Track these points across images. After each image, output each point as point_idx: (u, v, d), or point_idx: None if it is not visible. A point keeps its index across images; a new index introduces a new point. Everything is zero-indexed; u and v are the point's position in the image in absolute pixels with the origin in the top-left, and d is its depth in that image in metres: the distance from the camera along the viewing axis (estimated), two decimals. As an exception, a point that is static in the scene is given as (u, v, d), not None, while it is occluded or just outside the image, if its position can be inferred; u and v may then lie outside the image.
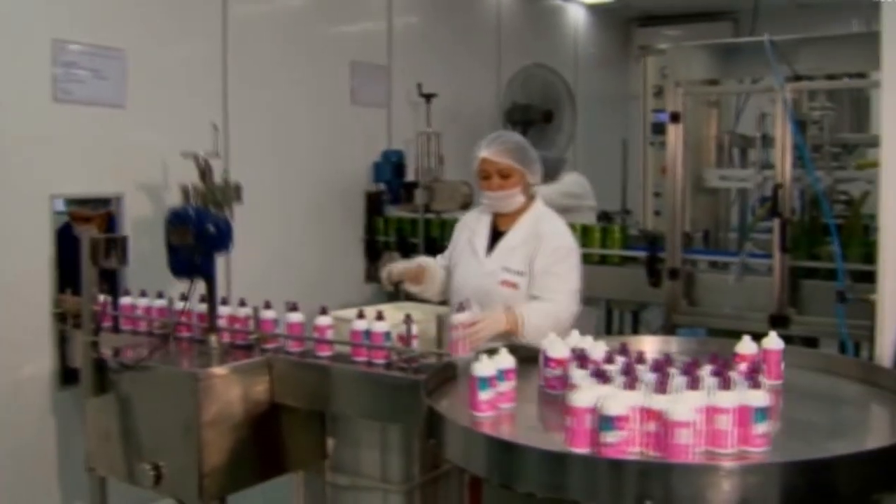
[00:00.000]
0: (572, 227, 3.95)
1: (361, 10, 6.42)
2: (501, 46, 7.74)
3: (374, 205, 6.37)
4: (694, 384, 2.27)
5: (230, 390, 3.41)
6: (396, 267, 3.91)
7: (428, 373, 2.85)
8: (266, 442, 3.55)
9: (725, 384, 2.27)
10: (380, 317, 3.35)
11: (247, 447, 3.47)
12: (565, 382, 2.58)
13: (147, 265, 4.20)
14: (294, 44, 5.76)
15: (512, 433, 2.52)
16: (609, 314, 6.69)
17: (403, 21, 6.67)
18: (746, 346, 2.79)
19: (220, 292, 3.84)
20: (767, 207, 4.90)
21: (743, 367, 2.63)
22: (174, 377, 3.44)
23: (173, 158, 4.51)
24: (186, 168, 4.18)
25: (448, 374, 2.89)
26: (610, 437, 2.14)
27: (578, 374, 2.51)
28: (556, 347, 2.79)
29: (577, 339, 2.90)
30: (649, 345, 3.21)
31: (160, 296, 4.04)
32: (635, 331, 6.53)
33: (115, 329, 4.02)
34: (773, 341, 2.80)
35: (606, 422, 2.14)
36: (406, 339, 3.27)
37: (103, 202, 4.66)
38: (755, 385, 2.23)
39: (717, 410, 2.17)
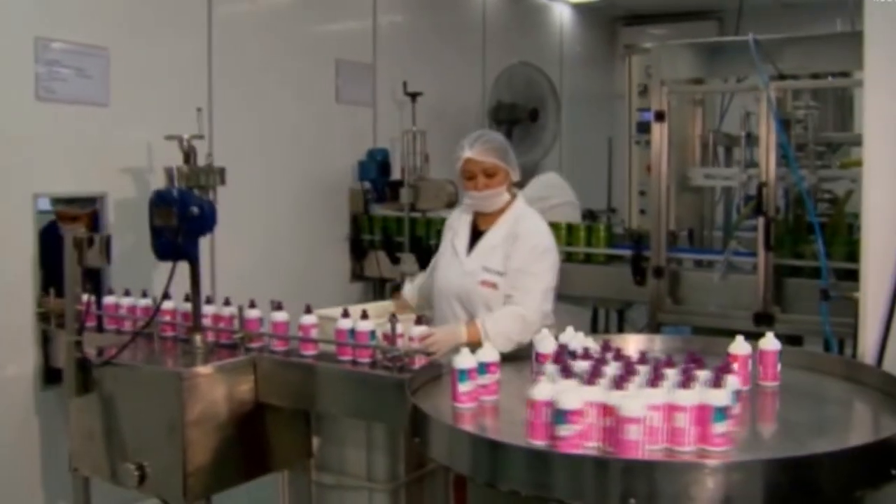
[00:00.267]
0: (557, 226, 3.96)
1: (346, 8, 6.40)
2: (487, 45, 7.74)
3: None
4: (655, 382, 2.28)
5: (215, 390, 3.40)
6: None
7: (412, 372, 2.86)
8: (251, 441, 3.54)
9: (687, 382, 2.26)
10: (364, 316, 3.35)
11: (231, 446, 3.45)
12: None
13: (131, 264, 4.19)
14: (279, 42, 5.74)
15: (491, 425, 2.56)
16: (595, 313, 6.70)
17: (388, 19, 6.66)
18: (740, 346, 2.77)
19: (205, 291, 3.83)
20: (752, 206, 4.92)
21: (714, 366, 2.55)
22: (158, 376, 3.43)
23: (157, 157, 4.49)
24: (171, 164, 4.16)
25: (433, 373, 2.89)
26: (563, 430, 2.18)
27: (551, 369, 2.55)
28: (545, 343, 2.81)
29: (571, 336, 2.92)
30: (633, 343, 3.22)
31: (144, 294, 4.02)
32: (621, 329, 6.55)
33: (100, 328, 4.00)
34: (770, 342, 2.79)
35: (560, 416, 2.18)
36: (391, 338, 3.26)
37: (89, 201, 4.63)
38: (717, 385, 2.22)
39: (674, 408, 2.19)
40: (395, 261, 6.11)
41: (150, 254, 3.61)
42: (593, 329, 6.58)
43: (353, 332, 3.34)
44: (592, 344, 2.90)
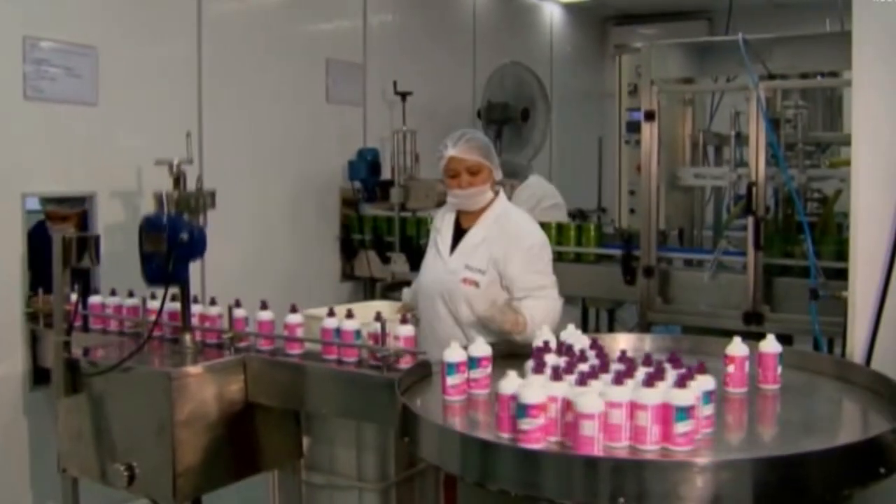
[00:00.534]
0: (547, 226, 3.97)
1: (337, 8, 6.39)
2: (477, 45, 7.74)
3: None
4: (620, 379, 2.28)
5: (204, 390, 3.39)
6: None
7: (402, 371, 2.86)
8: (241, 441, 3.53)
9: (651, 381, 2.26)
10: (349, 315, 3.35)
11: (221, 446, 3.44)
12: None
13: (119, 264, 4.17)
14: (269, 42, 5.73)
15: (478, 418, 2.58)
16: (585, 312, 6.70)
17: (379, 19, 6.66)
18: (737, 347, 2.73)
19: (194, 291, 3.81)
20: (741, 206, 4.93)
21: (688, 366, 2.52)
22: (147, 377, 3.42)
23: (146, 157, 4.45)
24: (160, 167, 4.15)
25: (422, 373, 2.89)
26: (525, 424, 2.21)
27: (529, 364, 2.62)
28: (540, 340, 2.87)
29: (571, 334, 2.95)
30: (623, 343, 3.22)
31: (131, 294, 4.01)
32: (611, 329, 6.55)
33: (85, 328, 3.99)
34: (770, 345, 2.76)
35: (521, 409, 2.21)
36: (377, 337, 3.26)
37: (78, 201, 4.62)
38: (681, 385, 2.22)
39: (637, 407, 2.20)
40: (386, 260, 6.11)
41: (137, 253, 3.60)
42: (583, 328, 6.57)
43: (338, 331, 3.34)
44: (585, 343, 2.91)
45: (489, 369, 2.75)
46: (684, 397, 2.19)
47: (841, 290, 3.23)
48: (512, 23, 8.32)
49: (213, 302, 3.75)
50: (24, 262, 4.33)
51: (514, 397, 2.26)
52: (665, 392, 2.21)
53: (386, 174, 6.26)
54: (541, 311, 3.50)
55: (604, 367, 2.50)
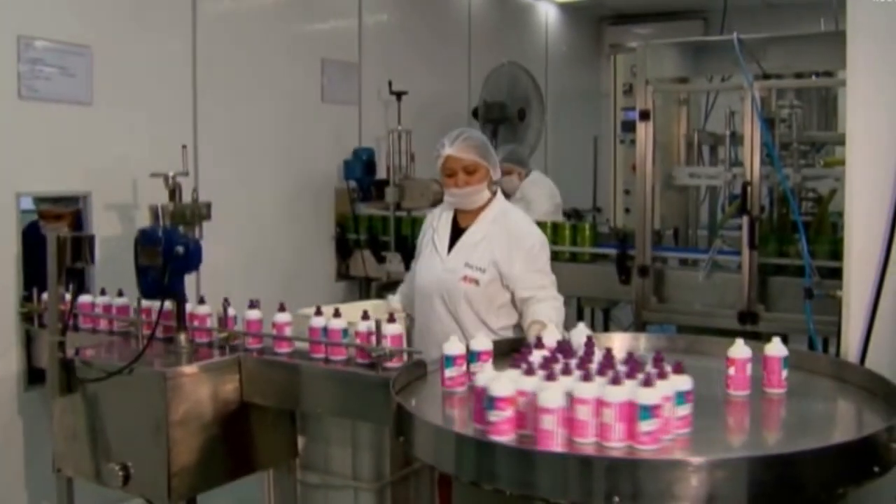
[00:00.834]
0: (542, 225, 3.98)
1: (332, 7, 6.39)
2: (472, 44, 7.74)
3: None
4: (588, 376, 2.28)
5: (199, 389, 3.38)
6: None
7: (397, 371, 2.86)
8: (236, 440, 3.52)
9: (618, 379, 2.26)
10: (337, 314, 3.36)
11: (216, 446, 3.44)
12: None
13: (115, 263, 4.17)
14: (264, 41, 5.73)
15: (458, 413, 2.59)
16: (580, 312, 6.71)
17: (374, 18, 6.66)
18: (738, 349, 2.68)
19: (190, 291, 3.80)
20: (736, 205, 4.94)
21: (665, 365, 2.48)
22: (142, 376, 3.40)
23: (141, 157, 4.48)
24: (154, 166, 4.14)
25: (417, 373, 2.89)
26: (493, 416, 2.25)
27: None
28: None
29: (583, 331, 2.96)
30: (618, 342, 3.22)
31: (120, 294, 4.00)
32: (606, 328, 6.56)
33: (75, 328, 3.98)
34: (776, 348, 2.69)
35: (489, 402, 2.26)
36: (364, 336, 3.27)
37: (72, 200, 4.61)
38: (647, 384, 2.22)
39: (602, 404, 2.20)
40: (381, 260, 6.11)
41: (132, 253, 3.59)
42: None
43: (325, 330, 3.36)
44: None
45: (489, 364, 2.75)
46: (648, 396, 2.19)
47: (835, 290, 3.23)
48: (507, 22, 8.33)
49: (201, 301, 3.75)
50: (19, 261, 4.32)
51: (484, 389, 2.30)
52: (631, 390, 2.21)
53: (381, 174, 6.27)
54: (554, 314, 3.56)
55: (583, 364, 2.49)
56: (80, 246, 3.50)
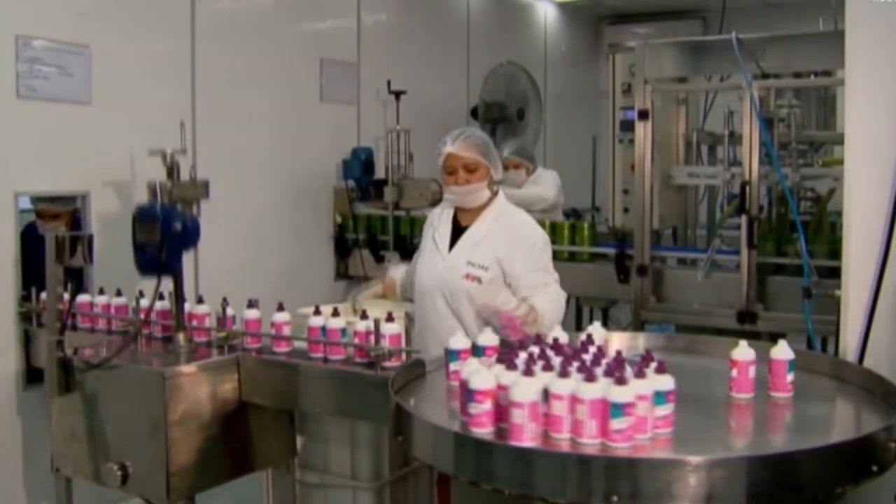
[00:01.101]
0: (541, 224, 3.99)
1: (330, 7, 6.39)
2: (471, 44, 7.74)
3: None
4: (565, 373, 2.29)
5: (198, 389, 3.38)
6: (362, 295, 3.96)
7: (396, 370, 2.86)
8: (234, 440, 3.52)
9: (592, 376, 2.27)
10: (335, 313, 3.36)
11: (215, 446, 3.44)
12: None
13: (113, 263, 4.16)
14: (263, 41, 5.73)
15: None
16: (579, 311, 6.71)
17: (373, 18, 6.66)
18: (740, 351, 2.64)
19: (188, 291, 3.81)
20: (735, 204, 4.93)
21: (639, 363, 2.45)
22: (141, 376, 3.41)
23: (140, 155, 4.47)
24: (153, 165, 4.15)
25: (416, 372, 2.88)
26: (472, 408, 2.30)
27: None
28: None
29: (597, 330, 3.01)
30: (616, 341, 3.22)
31: (119, 293, 4.00)
32: (605, 328, 6.54)
33: (73, 327, 3.98)
34: (782, 351, 2.64)
35: (469, 395, 2.30)
36: (362, 335, 3.27)
37: (70, 199, 4.61)
38: (619, 381, 2.22)
39: (575, 400, 2.22)
40: (380, 259, 6.11)
41: (131, 252, 3.59)
42: (577, 327, 6.58)
43: (324, 329, 3.36)
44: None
45: (494, 359, 2.75)
46: (620, 394, 2.19)
47: (834, 289, 3.23)
48: (506, 22, 8.33)
49: (200, 300, 3.75)
50: (18, 261, 4.32)
51: (465, 382, 2.34)
52: (604, 388, 2.22)
53: (380, 173, 6.26)
54: (550, 306, 3.57)
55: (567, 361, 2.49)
56: (78, 245, 3.49)
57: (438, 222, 3.83)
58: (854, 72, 3.04)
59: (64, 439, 3.62)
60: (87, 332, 3.99)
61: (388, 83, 6.38)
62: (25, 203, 4.46)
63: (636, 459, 2.12)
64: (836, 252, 4.11)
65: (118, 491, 3.49)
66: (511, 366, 2.39)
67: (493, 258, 3.63)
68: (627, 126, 6.09)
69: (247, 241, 5.58)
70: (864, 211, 3.02)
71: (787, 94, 5.24)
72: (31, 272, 4.20)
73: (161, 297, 3.76)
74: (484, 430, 2.28)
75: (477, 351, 2.80)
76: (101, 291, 4.07)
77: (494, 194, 3.77)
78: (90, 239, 3.56)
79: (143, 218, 3.53)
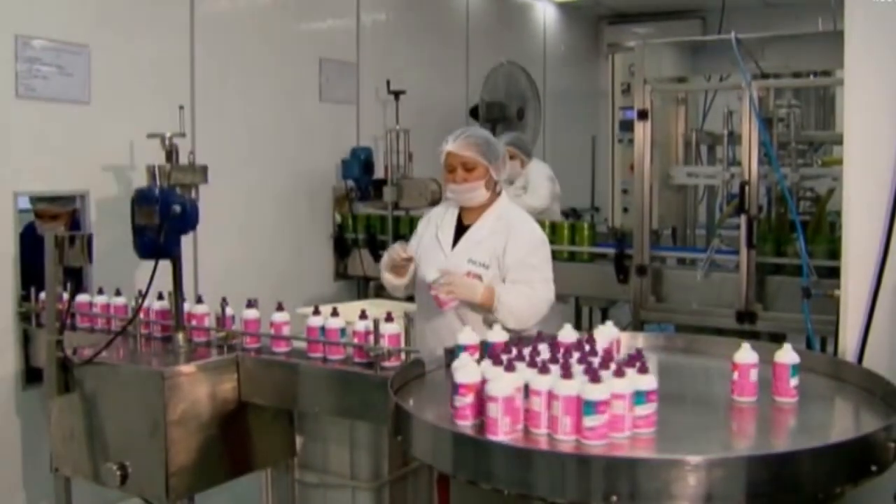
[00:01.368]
0: (541, 224, 3.99)
1: (330, 6, 6.39)
2: (470, 44, 7.74)
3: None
4: (544, 369, 2.31)
5: (197, 389, 3.38)
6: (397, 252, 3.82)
7: (395, 370, 2.86)
8: (234, 440, 3.52)
9: (568, 373, 2.28)
10: (335, 313, 3.36)
11: (214, 446, 3.44)
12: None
13: (114, 262, 4.17)
14: (262, 40, 5.73)
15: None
16: (578, 311, 6.71)
17: (372, 18, 6.66)
18: (744, 354, 2.58)
19: (188, 291, 3.81)
20: (734, 204, 4.94)
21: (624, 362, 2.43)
22: (140, 376, 3.41)
23: (139, 155, 4.47)
24: (152, 162, 4.14)
25: (415, 372, 2.88)
26: (456, 401, 2.35)
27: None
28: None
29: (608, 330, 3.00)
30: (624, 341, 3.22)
31: (118, 293, 4.00)
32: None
33: (73, 327, 3.98)
34: (787, 355, 2.59)
35: (454, 388, 2.37)
36: (362, 335, 3.27)
37: (69, 199, 4.61)
38: (593, 379, 2.23)
39: (552, 397, 2.25)
40: (379, 259, 6.08)
41: (132, 252, 3.59)
42: (576, 327, 6.57)
43: (323, 329, 3.36)
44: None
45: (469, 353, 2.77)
46: (593, 392, 2.20)
47: (833, 289, 3.23)
48: (505, 22, 8.33)
49: (199, 300, 3.75)
50: (17, 261, 4.32)
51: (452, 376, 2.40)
52: (579, 385, 2.23)
53: (379, 173, 6.27)
54: (518, 298, 3.57)
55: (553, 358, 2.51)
56: (78, 245, 3.49)
57: (442, 220, 3.84)
58: (853, 72, 3.04)
59: (63, 439, 3.62)
60: (87, 331, 3.99)
61: (388, 83, 6.38)
62: (25, 203, 4.46)
63: (636, 459, 2.12)
64: (835, 252, 4.12)
65: (117, 491, 3.50)
66: (497, 362, 2.41)
67: (493, 256, 3.64)
68: (627, 126, 6.10)
69: (246, 240, 5.58)
70: (864, 211, 3.02)
71: (787, 94, 5.24)
72: (31, 272, 4.20)
73: (160, 297, 3.77)
74: (466, 423, 2.33)
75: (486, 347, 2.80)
76: (101, 291, 4.07)
77: (497, 194, 3.78)
78: (89, 238, 3.55)
79: (141, 201, 3.52)
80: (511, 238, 3.65)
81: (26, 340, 4.34)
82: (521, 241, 3.66)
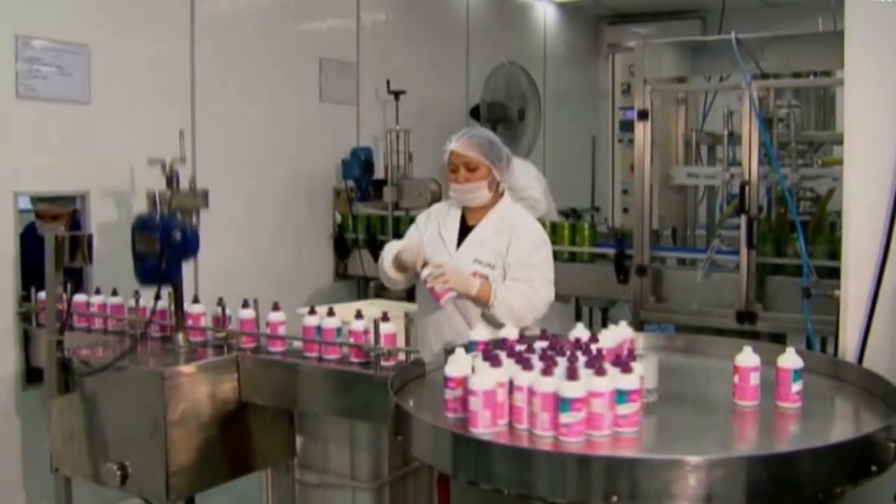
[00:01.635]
0: (541, 223, 3.99)
1: (330, 6, 6.39)
2: (470, 44, 7.74)
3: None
4: (527, 366, 2.35)
5: (197, 389, 3.38)
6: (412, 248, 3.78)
7: (395, 370, 2.86)
8: (234, 440, 3.52)
9: (549, 370, 2.31)
10: (331, 313, 3.37)
11: (214, 446, 3.44)
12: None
13: (113, 263, 4.16)
14: (262, 40, 5.73)
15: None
16: (578, 311, 6.71)
17: (372, 18, 6.66)
18: (745, 357, 2.54)
19: (187, 289, 3.80)
20: (734, 205, 4.93)
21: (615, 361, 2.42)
22: (141, 376, 3.41)
23: (139, 156, 4.45)
24: (152, 166, 4.14)
25: (416, 372, 2.88)
26: (447, 394, 2.42)
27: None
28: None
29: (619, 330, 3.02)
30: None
31: (115, 293, 4.00)
32: (604, 328, 6.54)
33: (70, 327, 3.98)
34: (790, 359, 2.54)
35: (445, 382, 2.43)
36: (358, 335, 3.26)
37: (70, 200, 4.61)
38: (570, 377, 2.24)
39: (531, 393, 2.28)
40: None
41: (130, 251, 3.59)
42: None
43: (319, 329, 3.36)
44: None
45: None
46: (569, 389, 2.22)
47: (833, 289, 3.23)
48: (505, 22, 8.33)
49: (196, 300, 3.75)
50: (17, 262, 4.32)
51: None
52: (557, 382, 2.25)
53: (379, 173, 6.27)
54: (515, 294, 3.58)
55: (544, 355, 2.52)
56: (78, 245, 3.49)
57: (445, 219, 3.85)
58: (853, 72, 3.04)
59: (63, 439, 3.62)
60: (84, 331, 3.99)
61: (388, 83, 6.38)
62: (25, 203, 4.46)
63: (636, 459, 2.12)
64: (835, 252, 4.11)
65: (117, 491, 3.50)
66: (488, 357, 2.44)
67: (498, 256, 3.66)
68: (627, 126, 6.10)
69: (246, 241, 5.58)
70: (864, 211, 3.02)
71: (787, 94, 5.24)
72: (31, 272, 4.20)
73: (158, 297, 3.76)
74: (454, 416, 2.39)
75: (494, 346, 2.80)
76: (98, 291, 4.07)
77: (500, 194, 3.79)
78: (90, 239, 3.56)
79: (142, 228, 3.53)
80: (514, 237, 3.67)
81: (26, 340, 4.34)
82: (523, 240, 3.67)
